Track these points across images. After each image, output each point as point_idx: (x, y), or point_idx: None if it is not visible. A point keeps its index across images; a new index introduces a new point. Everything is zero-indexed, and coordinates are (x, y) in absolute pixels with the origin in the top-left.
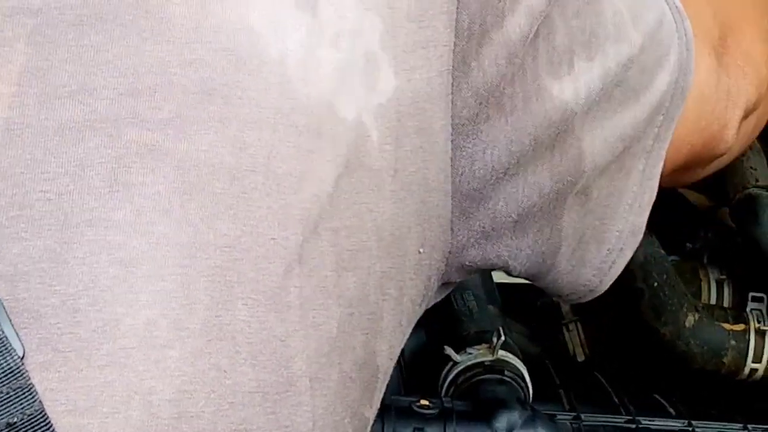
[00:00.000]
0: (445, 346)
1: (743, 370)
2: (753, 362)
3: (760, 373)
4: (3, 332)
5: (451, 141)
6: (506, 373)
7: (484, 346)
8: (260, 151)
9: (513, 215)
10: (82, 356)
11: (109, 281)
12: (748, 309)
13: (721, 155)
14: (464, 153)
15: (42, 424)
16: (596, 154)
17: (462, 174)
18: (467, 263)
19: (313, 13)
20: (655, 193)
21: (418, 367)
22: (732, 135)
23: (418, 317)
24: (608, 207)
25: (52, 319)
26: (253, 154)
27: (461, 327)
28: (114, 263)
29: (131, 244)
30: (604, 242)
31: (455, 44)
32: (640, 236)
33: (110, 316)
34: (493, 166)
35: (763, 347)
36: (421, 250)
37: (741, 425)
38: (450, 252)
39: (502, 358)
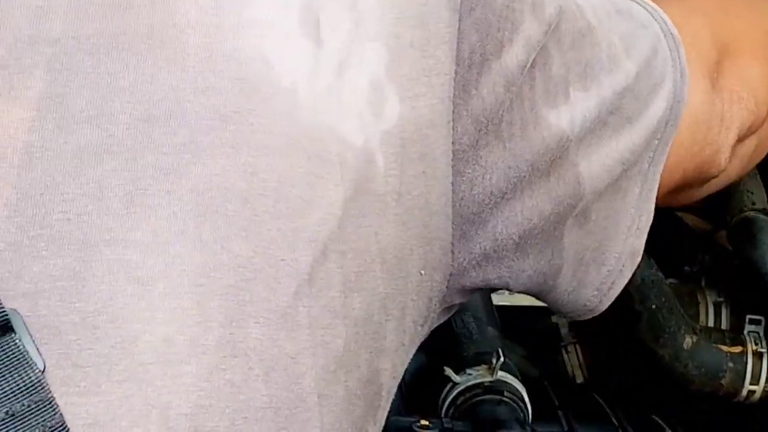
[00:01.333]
0: (445, 367)
1: (741, 391)
2: (750, 384)
3: (758, 395)
4: (24, 347)
5: (452, 166)
6: (505, 394)
7: (484, 367)
8: (271, 176)
9: (514, 237)
10: (102, 371)
11: (127, 299)
12: (745, 331)
13: (713, 177)
14: (464, 178)
15: None
16: (594, 178)
17: (462, 198)
18: (468, 284)
19: (319, 43)
20: (652, 215)
21: (418, 388)
22: (725, 159)
23: (422, 338)
24: (607, 229)
25: (72, 335)
26: (264, 178)
27: (461, 348)
28: (132, 281)
29: (148, 263)
30: (603, 263)
31: (456, 72)
32: (639, 258)
33: (128, 332)
34: (491, 191)
35: (761, 369)
36: (423, 272)
37: None
38: (451, 274)
39: (502, 379)
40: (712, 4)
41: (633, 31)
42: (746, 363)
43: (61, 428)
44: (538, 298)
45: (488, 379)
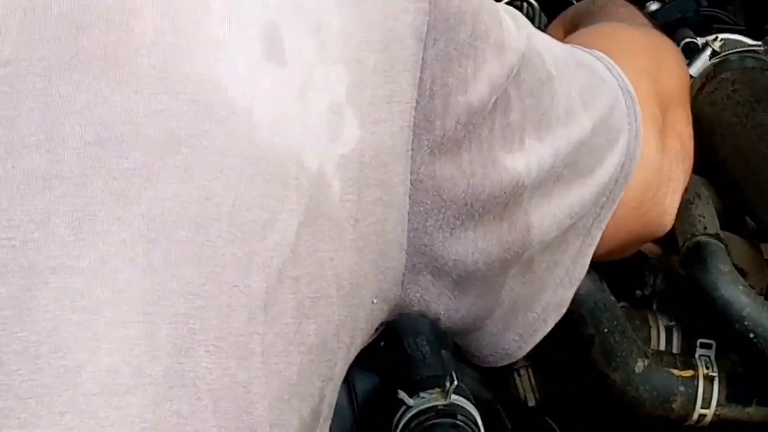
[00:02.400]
0: (399, 390)
1: (692, 415)
2: (701, 408)
3: (708, 418)
4: None
5: (409, 196)
6: (459, 417)
7: (437, 390)
8: (225, 200)
9: (454, 275)
10: (43, 403)
11: (72, 328)
12: (696, 355)
13: (658, 237)
14: (421, 209)
15: None
16: (544, 228)
17: (416, 229)
18: (404, 311)
19: (280, 64)
20: (585, 269)
21: (371, 411)
22: (670, 220)
23: None
24: (543, 279)
25: (14, 366)
26: (218, 203)
27: (414, 371)
28: (77, 310)
29: (95, 291)
30: (531, 310)
31: (417, 101)
32: (564, 309)
33: (72, 362)
34: (441, 224)
35: (712, 393)
36: (375, 301)
37: None
38: (396, 304)
39: (455, 402)
40: (648, 59)
41: (592, 85)
42: (697, 387)
43: None
44: (457, 337)
45: (442, 402)
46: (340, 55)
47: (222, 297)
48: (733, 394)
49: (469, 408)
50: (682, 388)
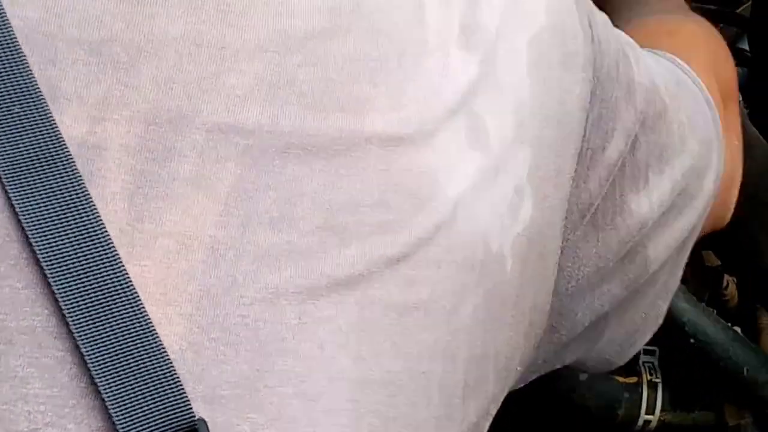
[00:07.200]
0: None
1: (637, 421)
2: (646, 414)
3: (654, 424)
4: None
5: (557, 263)
6: None
7: None
8: (424, 289)
9: (585, 322)
10: None
11: (294, 413)
12: (640, 362)
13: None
14: (564, 273)
15: None
16: (659, 257)
17: (558, 293)
18: (534, 372)
19: (483, 150)
20: (678, 281)
21: None
22: (730, 215)
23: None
24: (644, 293)
25: None
26: (417, 291)
27: None
28: (298, 395)
29: (313, 377)
30: (632, 322)
31: (576, 171)
32: (660, 322)
33: None
34: (582, 284)
35: (656, 399)
36: (519, 369)
37: None
38: (529, 364)
39: None
40: (708, 54)
41: (692, 105)
42: (641, 393)
43: None
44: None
45: None
46: (528, 134)
47: (410, 385)
48: (677, 399)
49: None
50: (626, 395)
